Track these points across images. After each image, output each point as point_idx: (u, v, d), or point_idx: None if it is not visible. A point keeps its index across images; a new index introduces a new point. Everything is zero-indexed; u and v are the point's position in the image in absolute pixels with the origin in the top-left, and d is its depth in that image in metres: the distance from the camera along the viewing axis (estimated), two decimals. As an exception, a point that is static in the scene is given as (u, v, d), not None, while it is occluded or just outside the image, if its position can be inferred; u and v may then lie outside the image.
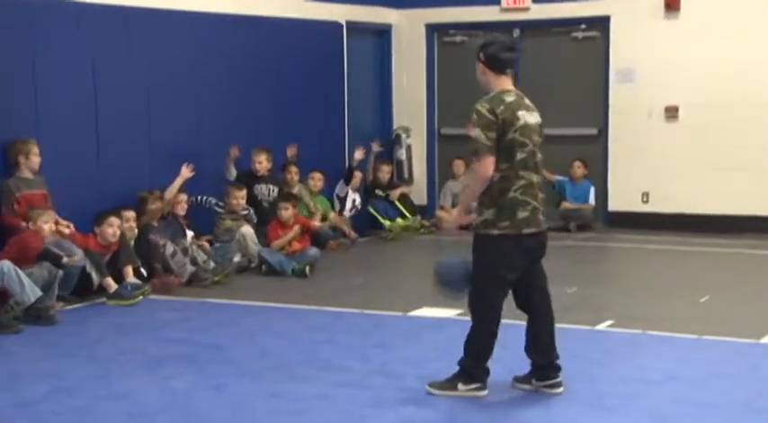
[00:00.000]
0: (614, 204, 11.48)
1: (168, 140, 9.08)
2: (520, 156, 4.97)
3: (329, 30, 11.14)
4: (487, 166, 4.92)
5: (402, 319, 7.06)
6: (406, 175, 12.02)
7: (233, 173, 9.58)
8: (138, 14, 8.85)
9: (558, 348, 5.27)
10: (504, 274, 5.04)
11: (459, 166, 11.63)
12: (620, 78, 11.30)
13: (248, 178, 9.70)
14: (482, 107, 4.98)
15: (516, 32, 11.71)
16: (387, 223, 10.89)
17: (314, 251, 8.90)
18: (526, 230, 5.00)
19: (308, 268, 8.67)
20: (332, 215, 10.50)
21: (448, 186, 11.68)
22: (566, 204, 11.33)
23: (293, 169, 10.18)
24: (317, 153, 10.60)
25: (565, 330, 6.51)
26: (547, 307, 5.23)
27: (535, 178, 5.04)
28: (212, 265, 8.29)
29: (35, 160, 7.66)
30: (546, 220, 5.18)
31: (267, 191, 9.81)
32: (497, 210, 4.98)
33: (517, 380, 5.33)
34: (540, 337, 5.21)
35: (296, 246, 9.01)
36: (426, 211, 11.71)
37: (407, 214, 11.23)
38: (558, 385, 5.22)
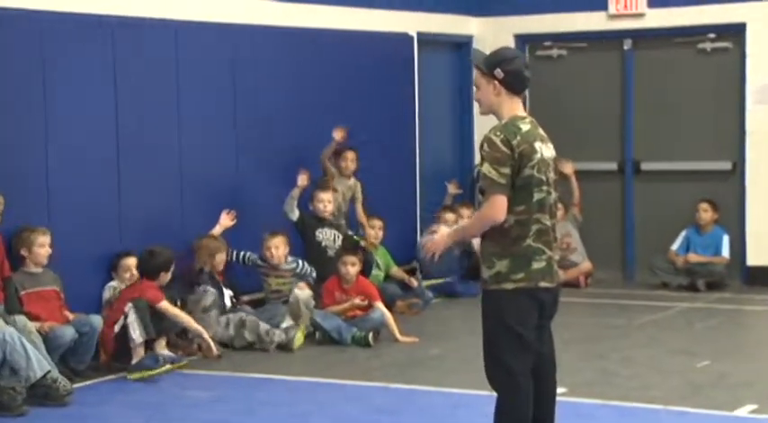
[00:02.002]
0: (754, 257, 11.32)
1: (204, 180, 9.20)
2: (537, 196, 5.05)
3: (397, 43, 11.28)
4: (499, 207, 4.98)
5: (487, 398, 6.96)
6: (491, 222, 11.93)
7: (295, 212, 9.46)
8: (178, 27, 9.00)
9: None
10: (522, 332, 5.07)
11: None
12: (759, 99, 11.21)
13: (313, 221, 9.63)
14: (495, 137, 5.08)
15: (628, 44, 11.72)
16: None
17: (379, 314, 8.92)
18: (542, 284, 5.08)
19: (371, 336, 8.69)
20: (394, 270, 10.53)
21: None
22: (692, 256, 11.21)
23: (349, 155, 10.09)
24: (381, 193, 10.65)
25: (695, 415, 6.41)
26: (550, 384, 5.23)
27: (550, 222, 5.12)
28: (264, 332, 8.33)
29: (41, 252, 7.67)
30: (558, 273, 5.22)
31: (332, 237, 9.73)
32: (511, 260, 5.05)
33: None
34: (535, 420, 5.18)
35: (356, 311, 9.01)
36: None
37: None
38: None
